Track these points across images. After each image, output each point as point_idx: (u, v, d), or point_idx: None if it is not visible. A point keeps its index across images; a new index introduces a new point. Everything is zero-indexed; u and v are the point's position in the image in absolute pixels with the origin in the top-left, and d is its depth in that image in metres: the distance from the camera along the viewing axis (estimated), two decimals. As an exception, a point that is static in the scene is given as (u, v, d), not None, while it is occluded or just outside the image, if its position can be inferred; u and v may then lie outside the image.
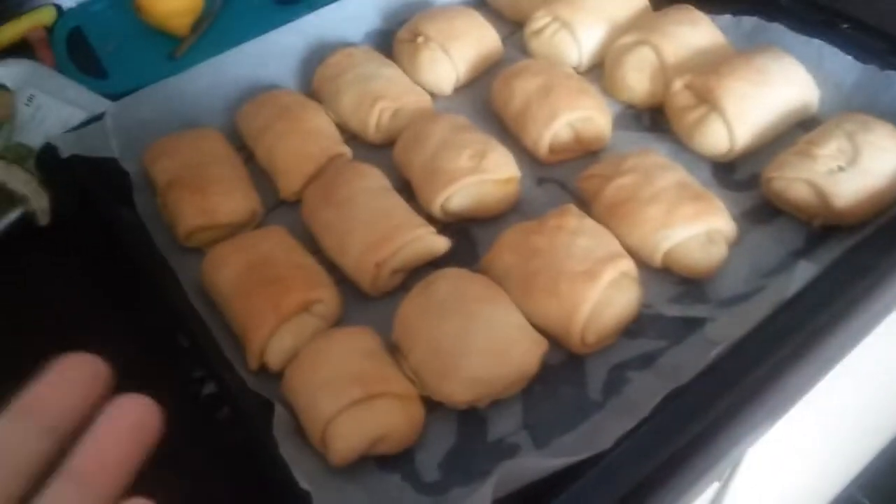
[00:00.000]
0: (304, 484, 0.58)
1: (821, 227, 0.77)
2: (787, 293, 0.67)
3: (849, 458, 1.58)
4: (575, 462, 0.57)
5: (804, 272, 0.68)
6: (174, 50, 1.12)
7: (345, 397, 0.62)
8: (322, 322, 0.72)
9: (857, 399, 1.23)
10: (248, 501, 0.62)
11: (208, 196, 0.80)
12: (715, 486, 0.82)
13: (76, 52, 1.13)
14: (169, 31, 1.13)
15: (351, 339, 0.68)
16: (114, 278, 0.79)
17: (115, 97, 0.97)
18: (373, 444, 0.63)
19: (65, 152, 0.86)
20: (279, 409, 0.63)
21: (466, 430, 0.67)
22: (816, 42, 0.89)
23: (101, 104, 0.98)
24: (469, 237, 0.82)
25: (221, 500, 0.63)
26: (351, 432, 0.62)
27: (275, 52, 1.00)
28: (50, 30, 1.16)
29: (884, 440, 1.67)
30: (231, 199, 0.81)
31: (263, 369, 0.70)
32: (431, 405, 0.67)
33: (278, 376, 0.69)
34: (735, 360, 0.63)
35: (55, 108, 1.00)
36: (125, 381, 0.72)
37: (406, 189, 0.85)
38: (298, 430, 0.65)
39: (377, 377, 0.65)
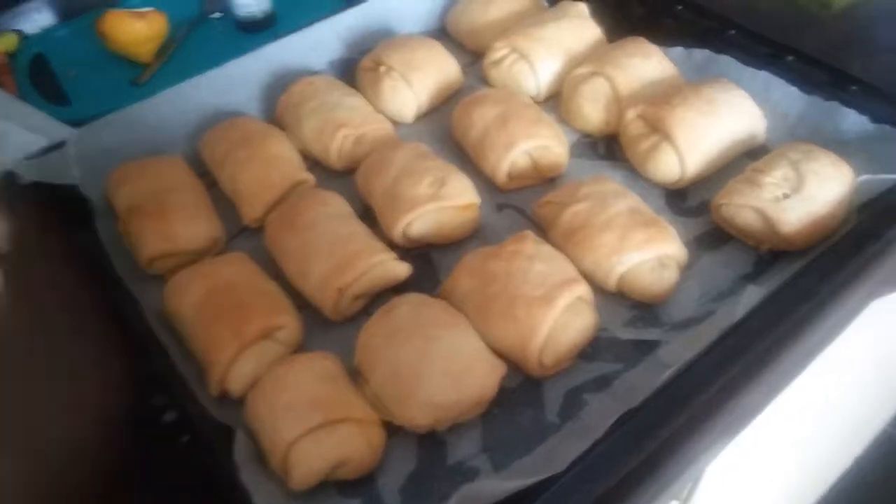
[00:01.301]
0: None
1: (768, 252, 0.80)
2: (735, 316, 0.69)
3: (809, 482, 1.60)
4: (531, 484, 0.58)
5: (752, 296, 0.70)
6: (137, 77, 1.12)
7: (305, 422, 0.63)
8: (284, 348, 0.72)
9: (816, 422, 1.26)
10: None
11: (170, 223, 0.81)
12: (673, 504, 0.84)
13: (39, 79, 1.13)
14: (132, 58, 1.14)
15: (312, 365, 0.69)
16: (75, 305, 0.79)
17: (77, 124, 0.97)
18: (333, 469, 0.64)
19: (26, 179, 0.86)
20: (240, 436, 0.63)
21: (426, 453, 0.68)
22: (764, 74, 0.93)
23: (63, 131, 0.98)
24: (430, 262, 0.84)
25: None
26: (311, 457, 0.63)
27: (238, 79, 1.02)
28: (12, 56, 1.16)
29: (845, 463, 1.70)
30: (193, 225, 0.82)
31: (225, 396, 0.71)
32: (392, 429, 0.68)
33: (240, 403, 0.69)
34: (686, 381, 0.64)
35: (17, 134, 0.99)
36: (88, 405, 0.72)
37: (368, 215, 0.86)
38: (259, 457, 0.65)
39: (338, 402, 0.65)
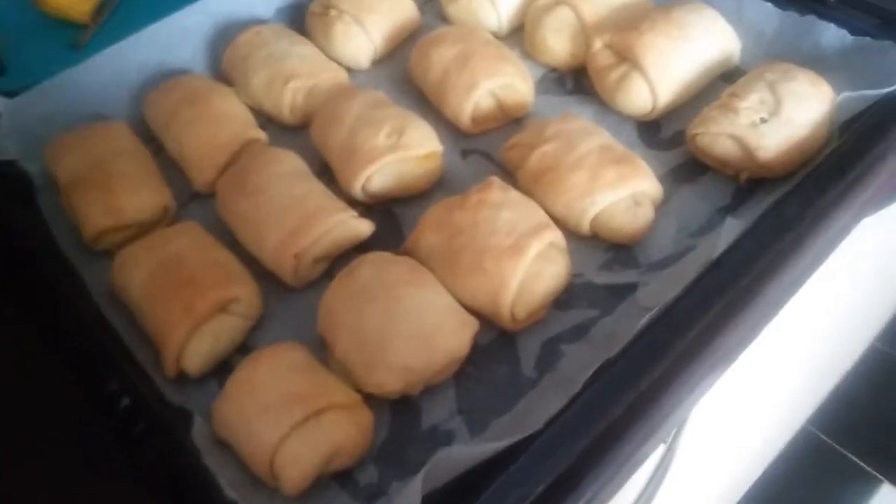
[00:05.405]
0: (230, 492, 0.55)
1: (748, 181, 0.76)
2: (715, 252, 0.65)
3: (801, 401, 1.60)
4: (508, 446, 0.55)
5: (731, 229, 0.67)
6: (76, 39, 1.06)
7: (286, 420, 0.58)
8: (242, 321, 0.69)
9: (804, 344, 1.24)
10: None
11: (114, 194, 0.76)
12: (661, 448, 0.82)
13: (-30, 48, 1.06)
14: (69, 20, 1.07)
15: (277, 359, 0.63)
16: (20, 287, 0.74)
17: (16, 94, 0.91)
18: (327, 463, 0.59)
19: (-42, 158, 0.81)
20: (198, 419, 0.60)
21: (399, 420, 0.65)
22: (735, -10, 0.87)
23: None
24: (394, 218, 0.80)
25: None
26: (301, 456, 0.58)
27: (181, 34, 0.95)
28: (-61, 25, 1.08)
29: (836, 377, 1.69)
30: (138, 195, 0.77)
31: (183, 377, 0.67)
32: (362, 397, 0.64)
33: (199, 384, 0.66)
34: (665, 325, 0.61)
35: (-52, 110, 0.94)
36: (40, 397, 0.68)
37: (328, 172, 0.81)
38: (220, 441, 0.62)
39: (316, 392, 0.60)
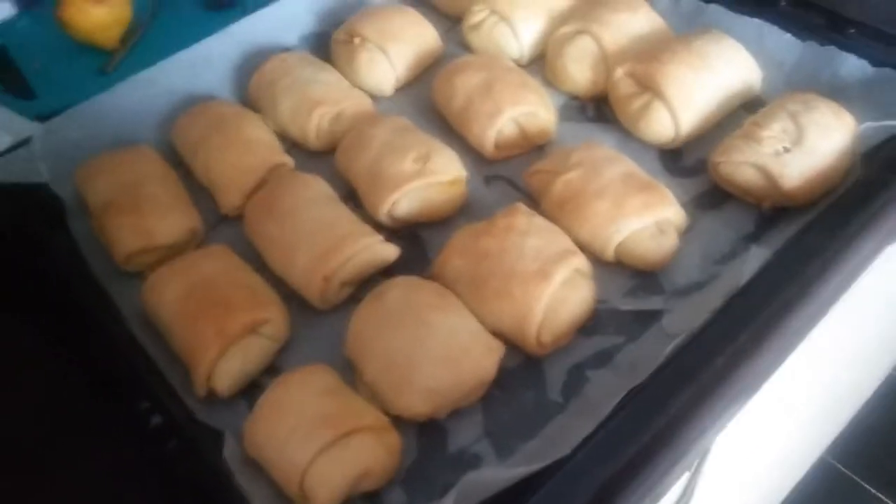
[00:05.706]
0: None
1: (771, 209, 0.77)
2: (740, 280, 0.66)
3: (820, 431, 1.59)
4: (537, 470, 0.56)
5: (756, 258, 0.67)
6: (104, 65, 1.08)
7: (316, 442, 0.59)
8: (271, 342, 0.69)
9: (824, 375, 1.24)
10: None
11: (144, 217, 0.77)
12: (685, 475, 0.81)
13: (2, 73, 1.08)
14: (97, 45, 1.09)
15: (308, 380, 0.64)
16: (51, 308, 0.75)
17: (46, 117, 0.93)
18: (356, 484, 0.60)
19: (-8, 181, 0.83)
20: (229, 439, 0.60)
21: (427, 442, 0.65)
22: (756, 21, 0.89)
23: (27, 127, 0.94)
24: (419, 242, 0.80)
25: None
26: (330, 477, 0.58)
27: (207, 60, 0.97)
28: (-28, 51, 1.11)
29: (855, 407, 1.68)
30: (168, 218, 0.78)
31: (213, 396, 0.68)
32: (390, 420, 0.65)
33: (229, 403, 0.67)
34: (691, 353, 0.62)
35: (-22, 134, 0.95)
36: (71, 415, 0.69)
37: (353, 196, 0.82)
38: (252, 461, 0.62)
39: (345, 414, 0.61)
